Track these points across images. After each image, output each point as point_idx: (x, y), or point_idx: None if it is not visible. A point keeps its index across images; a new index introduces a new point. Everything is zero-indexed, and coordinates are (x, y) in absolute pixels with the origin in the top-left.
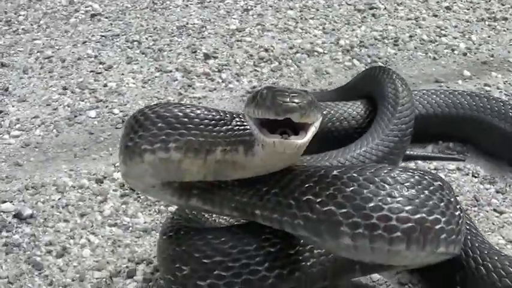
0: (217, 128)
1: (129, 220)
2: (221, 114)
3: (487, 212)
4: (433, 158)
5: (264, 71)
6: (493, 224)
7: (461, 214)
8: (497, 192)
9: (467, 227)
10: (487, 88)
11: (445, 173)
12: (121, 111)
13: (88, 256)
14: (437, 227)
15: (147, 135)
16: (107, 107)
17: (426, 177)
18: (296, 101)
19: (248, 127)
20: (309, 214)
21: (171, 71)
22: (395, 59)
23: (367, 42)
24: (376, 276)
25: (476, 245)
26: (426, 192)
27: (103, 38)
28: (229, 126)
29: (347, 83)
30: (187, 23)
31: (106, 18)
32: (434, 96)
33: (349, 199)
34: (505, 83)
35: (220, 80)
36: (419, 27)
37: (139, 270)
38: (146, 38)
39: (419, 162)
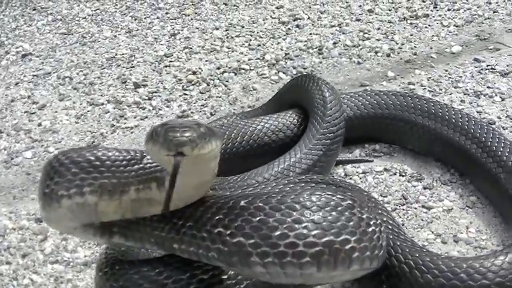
0: (129, 168)
1: (69, 256)
2: (131, 154)
3: (416, 209)
4: (344, 162)
5: (193, 93)
6: (422, 220)
7: (377, 229)
8: (425, 188)
9: (390, 227)
10: (411, 86)
11: (373, 175)
12: (56, 149)
13: None
14: (347, 247)
15: (62, 181)
16: (42, 146)
17: (334, 197)
18: (186, 135)
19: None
20: (220, 246)
21: (102, 104)
22: (321, 67)
23: (292, 54)
24: None
25: (398, 243)
26: (334, 213)
27: (35, 77)
28: (141, 165)
29: (275, 95)
30: (116, 54)
31: (37, 57)
32: (360, 98)
33: (257, 229)
34: (428, 80)
35: (151, 108)
36: (343, 33)
37: None
38: (77, 73)
39: (348, 167)
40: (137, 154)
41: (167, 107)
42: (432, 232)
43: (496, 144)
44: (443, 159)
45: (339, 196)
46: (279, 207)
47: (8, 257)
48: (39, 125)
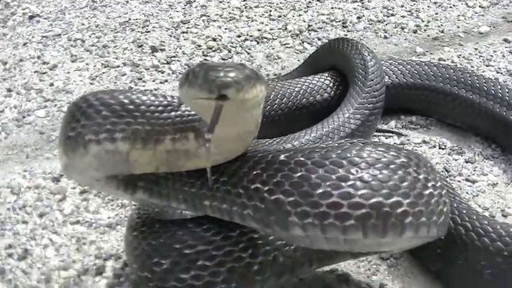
0: (165, 114)
1: (91, 217)
2: (168, 99)
3: (459, 182)
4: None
5: (214, 59)
6: (467, 193)
7: (436, 192)
8: (467, 162)
9: (451, 196)
10: (442, 62)
11: (412, 147)
12: None
13: (52, 256)
14: (399, 210)
15: (91, 124)
16: (55, 105)
17: (387, 154)
18: (231, 75)
19: None
20: (257, 203)
21: (118, 66)
22: None
23: (315, 26)
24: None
25: (455, 205)
26: (385, 171)
27: (44, 38)
28: (178, 112)
29: (309, 58)
30: (129, 19)
31: (45, 19)
32: (400, 66)
33: (297, 186)
34: (458, 57)
35: (170, 72)
36: (366, 9)
37: (108, 267)
38: (89, 36)
39: (383, 138)
40: (174, 100)
41: None
42: (479, 206)
43: None
44: (484, 133)
45: (392, 153)
46: (323, 162)
47: (24, 216)
48: (51, 84)
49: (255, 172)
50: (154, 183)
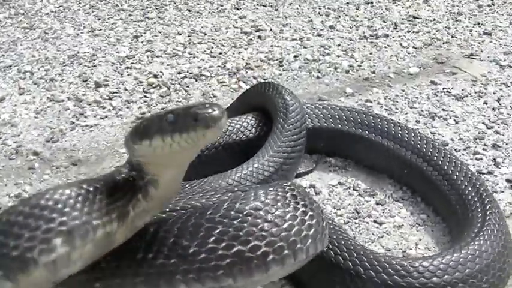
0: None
1: None
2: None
3: (367, 223)
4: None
5: (153, 96)
6: (373, 234)
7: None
8: (377, 204)
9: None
10: (369, 104)
11: (328, 189)
12: (14, 142)
13: None
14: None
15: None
16: (0, 138)
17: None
18: (216, 108)
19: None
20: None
21: (63, 101)
22: (280, 79)
23: (253, 64)
24: None
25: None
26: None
27: None
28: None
29: (236, 100)
30: (78, 52)
31: None
32: (320, 110)
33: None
34: (385, 98)
35: (111, 107)
36: (304, 47)
37: None
38: (38, 69)
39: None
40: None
41: (127, 107)
42: (382, 247)
43: (448, 164)
44: (396, 176)
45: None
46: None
47: None
48: None
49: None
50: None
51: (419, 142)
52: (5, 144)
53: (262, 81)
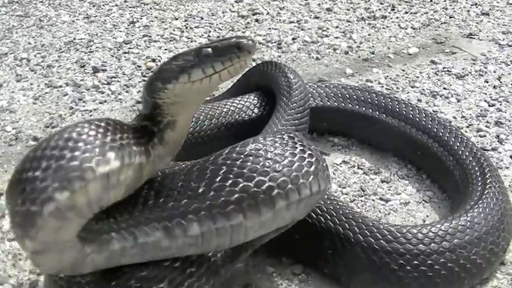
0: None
1: None
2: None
3: (373, 201)
4: None
5: None
6: (380, 211)
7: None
8: (382, 181)
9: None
10: (369, 84)
11: (333, 167)
12: (13, 129)
13: None
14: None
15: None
16: None
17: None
18: (248, 37)
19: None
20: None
21: (61, 86)
22: (280, 61)
23: None
24: (269, 269)
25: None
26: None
27: None
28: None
29: (238, 80)
30: (74, 38)
31: None
32: (327, 89)
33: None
34: (385, 78)
35: (110, 92)
36: (302, 30)
37: (41, 281)
38: (35, 55)
39: None
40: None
41: (126, 92)
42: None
43: (453, 139)
44: (401, 154)
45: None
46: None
47: None
48: None
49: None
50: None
51: (423, 119)
52: (4, 130)
53: None
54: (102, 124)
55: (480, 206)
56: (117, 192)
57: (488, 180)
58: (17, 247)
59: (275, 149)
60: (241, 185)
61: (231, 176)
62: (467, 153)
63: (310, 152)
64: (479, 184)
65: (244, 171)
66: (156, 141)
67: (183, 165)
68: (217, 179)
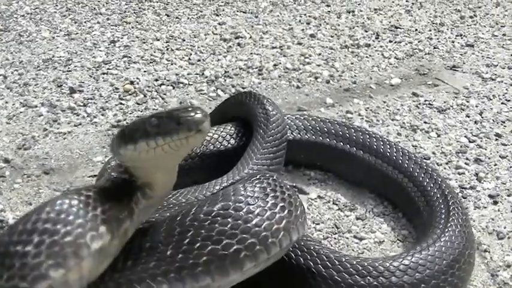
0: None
1: None
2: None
3: (347, 238)
4: None
5: (129, 103)
6: (353, 250)
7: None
8: (357, 219)
9: None
10: (349, 115)
11: (308, 203)
12: None
13: None
14: None
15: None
16: None
17: None
18: (199, 112)
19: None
20: None
21: (36, 106)
22: (260, 88)
23: (231, 72)
24: None
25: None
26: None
27: None
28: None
29: (215, 110)
30: (53, 56)
31: None
32: (305, 121)
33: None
34: (366, 110)
35: (85, 114)
36: (284, 56)
37: None
38: (12, 72)
39: None
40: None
41: (102, 115)
42: None
43: (427, 180)
44: (377, 190)
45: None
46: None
47: None
48: None
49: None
50: None
51: (400, 157)
52: None
53: (241, 89)
54: (90, 194)
55: (444, 238)
56: (106, 264)
57: (451, 218)
58: None
59: (246, 205)
60: (209, 248)
61: (198, 239)
62: (435, 191)
63: (283, 203)
64: (442, 221)
65: (213, 233)
66: (139, 195)
67: (149, 224)
68: (185, 242)
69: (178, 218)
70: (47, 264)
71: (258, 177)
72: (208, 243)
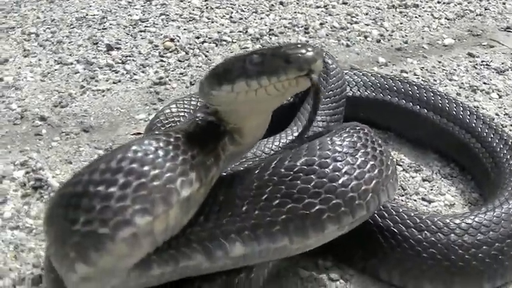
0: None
1: (32, 222)
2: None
3: (415, 201)
4: None
5: (170, 61)
6: None
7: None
8: (424, 180)
9: None
10: (405, 74)
11: None
12: (19, 107)
13: None
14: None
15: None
16: (3, 102)
17: None
18: (310, 49)
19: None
20: None
21: (71, 63)
22: None
23: (276, 31)
24: (305, 273)
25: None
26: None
27: None
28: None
29: None
30: (87, 14)
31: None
32: (365, 78)
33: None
34: (421, 69)
35: (124, 72)
36: (330, 15)
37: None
38: (44, 30)
39: None
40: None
41: (142, 72)
42: None
43: (497, 141)
44: (443, 151)
45: None
46: None
47: None
48: (1, 80)
49: None
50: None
51: (468, 116)
52: (9, 108)
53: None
54: (179, 136)
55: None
56: (190, 216)
57: None
58: (19, 237)
59: (332, 161)
60: (288, 206)
61: (278, 195)
62: (505, 152)
63: (374, 161)
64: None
65: (293, 191)
66: (227, 141)
67: (223, 176)
68: (263, 198)
69: (257, 172)
70: (132, 210)
71: (347, 129)
72: (288, 200)
